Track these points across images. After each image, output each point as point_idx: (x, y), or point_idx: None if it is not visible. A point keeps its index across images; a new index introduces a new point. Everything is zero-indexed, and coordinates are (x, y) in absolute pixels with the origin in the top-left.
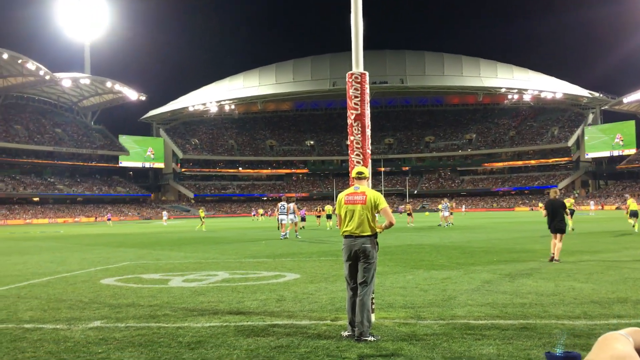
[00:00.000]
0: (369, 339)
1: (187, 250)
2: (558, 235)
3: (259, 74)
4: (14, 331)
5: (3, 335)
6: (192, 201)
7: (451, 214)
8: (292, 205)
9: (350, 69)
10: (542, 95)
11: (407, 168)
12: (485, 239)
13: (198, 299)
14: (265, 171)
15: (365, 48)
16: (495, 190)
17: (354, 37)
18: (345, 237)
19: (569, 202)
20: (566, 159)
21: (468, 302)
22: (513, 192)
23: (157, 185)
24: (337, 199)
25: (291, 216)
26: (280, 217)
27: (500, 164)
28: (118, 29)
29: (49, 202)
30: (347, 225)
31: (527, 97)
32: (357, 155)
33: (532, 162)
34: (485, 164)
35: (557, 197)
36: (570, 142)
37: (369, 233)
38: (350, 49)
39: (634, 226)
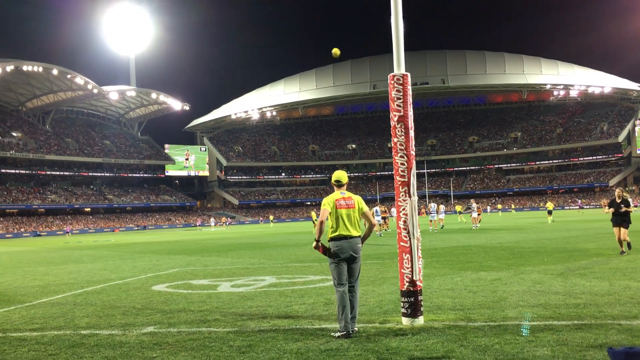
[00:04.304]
0: (356, 329)
1: (233, 256)
2: (623, 229)
3: (299, 79)
4: (72, 337)
5: (62, 342)
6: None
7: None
8: (377, 208)
9: (390, 71)
10: (590, 90)
11: (451, 169)
12: (534, 238)
13: (247, 304)
14: (308, 176)
15: (405, 49)
16: (542, 189)
17: (395, 38)
18: (341, 238)
19: (550, 204)
20: (617, 155)
21: (519, 304)
22: (562, 191)
23: (202, 193)
24: (325, 204)
25: (377, 218)
26: None
27: (547, 162)
28: (161, 42)
29: (100, 212)
30: (344, 229)
31: (573, 93)
32: (401, 157)
33: (581, 159)
34: (532, 163)
35: (622, 195)
36: (621, 137)
37: (360, 234)
38: (389, 51)
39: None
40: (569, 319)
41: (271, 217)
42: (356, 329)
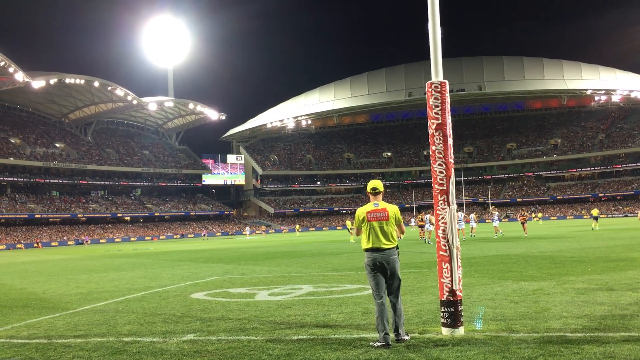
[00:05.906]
0: (407, 337)
1: (270, 265)
2: None
3: (334, 88)
4: (115, 344)
5: (105, 348)
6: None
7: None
8: (428, 216)
9: (426, 79)
10: (633, 95)
11: (488, 177)
12: (577, 247)
13: (284, 312)
14: (343, 185)
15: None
16: (584, 196)
17: (432, 45)
18: (373, 250)
19: (596, 210)
20: None
21: (563, 314)
22: (605, 199)
23: (238, 202)
24: (356, 216)
25: (427, 225)
26: None
27: (589, 169)
28: (198, 52)
29: (139, 221)
30: (376, 241)
31: (615, 98)
32: (439, 165)
33: (625, 166)
34: (573, 170)
35: None
36: None
37: (394, 245)
38: (424, 59)
39: (593, 228)
40: (615, 331)
41: (297, 227)
42: (406, 337)
